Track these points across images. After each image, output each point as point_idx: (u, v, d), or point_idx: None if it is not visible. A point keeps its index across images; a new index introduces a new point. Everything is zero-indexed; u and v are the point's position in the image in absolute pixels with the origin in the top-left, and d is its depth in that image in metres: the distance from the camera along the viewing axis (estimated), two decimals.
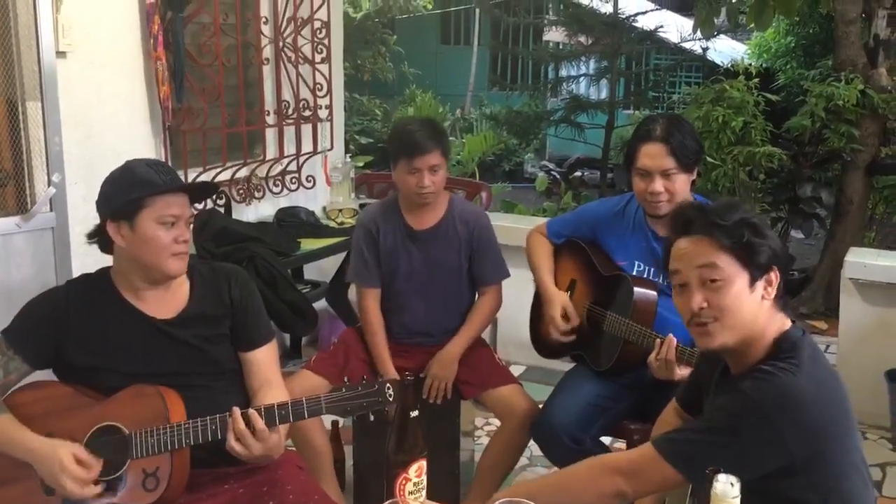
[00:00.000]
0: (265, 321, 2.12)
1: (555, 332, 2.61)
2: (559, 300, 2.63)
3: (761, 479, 1.46)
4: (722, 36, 8.81)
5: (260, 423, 1.81)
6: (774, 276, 1.61)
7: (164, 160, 3.47)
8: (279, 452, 1.91)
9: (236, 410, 1.82)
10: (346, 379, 1.88)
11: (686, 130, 2.44)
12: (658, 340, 2.26)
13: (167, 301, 2.00)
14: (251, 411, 1.83)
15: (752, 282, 1.60)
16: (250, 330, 2.06)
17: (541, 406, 2.60)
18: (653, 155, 2.40)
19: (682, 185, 2.42)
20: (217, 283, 2.06)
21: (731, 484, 1.21)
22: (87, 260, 2.74)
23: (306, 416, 1.85)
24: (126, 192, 1.90)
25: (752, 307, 1.60)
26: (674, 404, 1.93)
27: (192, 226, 1.99)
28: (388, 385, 1.81)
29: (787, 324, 1.65)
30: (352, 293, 3.03)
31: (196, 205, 2.36)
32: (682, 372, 2.19)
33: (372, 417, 1.83)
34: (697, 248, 1.61)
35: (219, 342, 2.03)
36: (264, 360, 2.06)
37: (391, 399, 1.79)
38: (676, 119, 2.51)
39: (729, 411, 1.53)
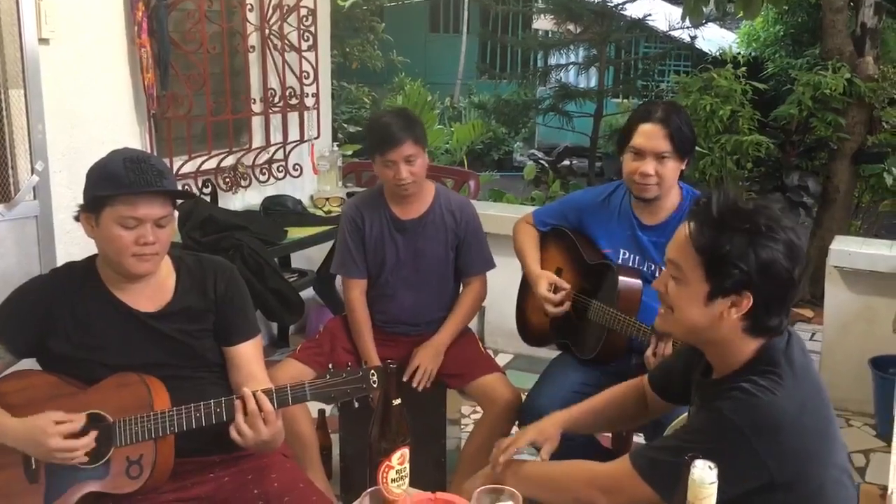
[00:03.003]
0: (250, 316, 2.09)
1: (549, 307, 2.56)
2: (545, 276, 2.60)
3: (740, 496, 1.45)
4: (711, 24, 8.83)
5: (268, 404, 1.80)
6: (746, 302, 1.50)
7: (149, 150, 3.46)
8: (281, 439, 1.91)
9: (247, 391, 1.81)
10: (329, 366, 1.88)
11: (684, 118, 2.42)
12: (650, 334, 2.25)
13: (152, 294, 1.98)
14: (260, 393, 1.81)
15: (710, 297, 1.52)
16: (234, 325, 2.03)
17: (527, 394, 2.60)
18: (649, 135, 2.36)
19: (672, 170, 2.39)
20: (203, 276, 2.03)
21: (710, 468, 1.21)
22: (71, 248, 2.74)
23: (290, 402, 1.84)
24: (94, 187, 1.88)
25: (701, 319, 1.55)
26: (643, 382, 1.92)
27: (164, 227, 1.89)
28: (372, 372, 1.81)
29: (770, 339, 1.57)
30: (339, 282, 3.02)
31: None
32: None
33: (356, 404, 1.83)
34: (676, 241, 1.59)
35: (203, 337, 2.00)
36: (247, 355, 2.03)
37: (375, 386, 1.79)
38: (676, 106, 2.50)
39: (707, 434, 1.51)
